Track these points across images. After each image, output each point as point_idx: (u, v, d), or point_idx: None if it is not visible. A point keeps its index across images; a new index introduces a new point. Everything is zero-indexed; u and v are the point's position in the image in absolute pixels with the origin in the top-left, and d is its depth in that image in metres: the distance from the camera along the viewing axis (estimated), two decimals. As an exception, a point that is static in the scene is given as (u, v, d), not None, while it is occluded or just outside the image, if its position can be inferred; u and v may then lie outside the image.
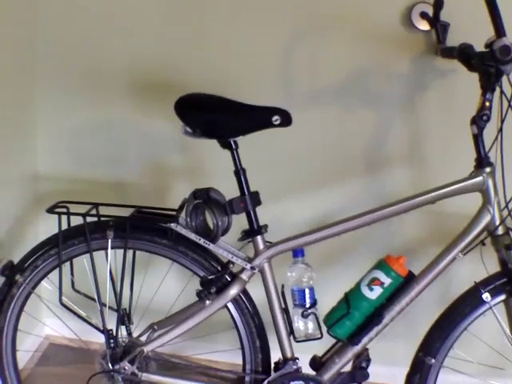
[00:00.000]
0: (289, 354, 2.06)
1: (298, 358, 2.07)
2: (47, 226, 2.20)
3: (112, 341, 2.10)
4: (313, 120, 2.47)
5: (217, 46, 2.50)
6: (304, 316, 2.03)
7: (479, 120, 1.82)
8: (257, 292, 2.08)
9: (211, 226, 1.98)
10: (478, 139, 1.87)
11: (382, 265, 2.00)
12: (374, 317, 1.98)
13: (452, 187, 1.91)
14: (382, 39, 2.37)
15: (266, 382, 2.06)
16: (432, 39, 2.33)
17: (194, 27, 2.50)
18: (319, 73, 2.46)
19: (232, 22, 2.47)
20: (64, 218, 2.08)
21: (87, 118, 2.67)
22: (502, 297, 1.95)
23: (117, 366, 2.07)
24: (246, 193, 1.98)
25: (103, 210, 2.12)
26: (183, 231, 2.00)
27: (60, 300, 2.11)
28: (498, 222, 1.90)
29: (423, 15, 2.29)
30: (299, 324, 2.06)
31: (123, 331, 2.15)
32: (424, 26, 2.31)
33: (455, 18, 2.26)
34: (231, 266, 2.05)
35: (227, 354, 2.29)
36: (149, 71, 2.55)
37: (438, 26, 2.26)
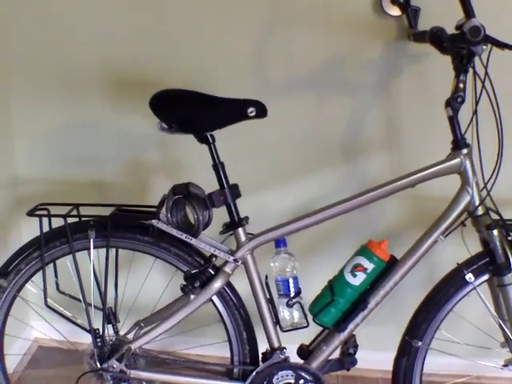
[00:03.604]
0: (276, 344, 2.07)
1: (285, 348, 2.08)
2: (30, 229, 2.19)
3: (99, 340, 2.10)
4: (289, 110, 2.47)
5: (189, 41, 2.49)
6: (289, 305, 2.03)
7: (454, 102, 1.82)
8: (241, 284, 2.08)
9: (192, 220, 1.98)
10: (453, 121, 1.87)
11: (364, 250, 2.01)
12: (359, 303, 1.99)
13: (430, 170, 1.92)
14: (354, 27, 2.36)
15: (254, 372, 2.06)
16: (404, 24, 2.33)
17: (167, 23, 2.49)
18: (293, 63, 2.46)
19: (204, 16, 2.46)
20: (45, 220, 2.07)
21: (64, 120, 2.66)
22: (486, 277, 1.97)
23: (105, 365, 2.08)
24: (226, 186, 1.98)
25: (84, 211, 2.11)
26: (164, 227, 2.00)
27: (45, 302, 2.12)
28: (477, 203, 1.91)
29: (394, 1, 2.29)
30: (285, 314, 2.06)
31: (110, 330, 2.15)
32: (395, 11, 2.31)
33: (425, 2, 2.26)
34: (214, 259, 2.06)
35: (215, 348, 2.28)
36: (123, 70, 2.54)
37: (409, 10, 2.26)
